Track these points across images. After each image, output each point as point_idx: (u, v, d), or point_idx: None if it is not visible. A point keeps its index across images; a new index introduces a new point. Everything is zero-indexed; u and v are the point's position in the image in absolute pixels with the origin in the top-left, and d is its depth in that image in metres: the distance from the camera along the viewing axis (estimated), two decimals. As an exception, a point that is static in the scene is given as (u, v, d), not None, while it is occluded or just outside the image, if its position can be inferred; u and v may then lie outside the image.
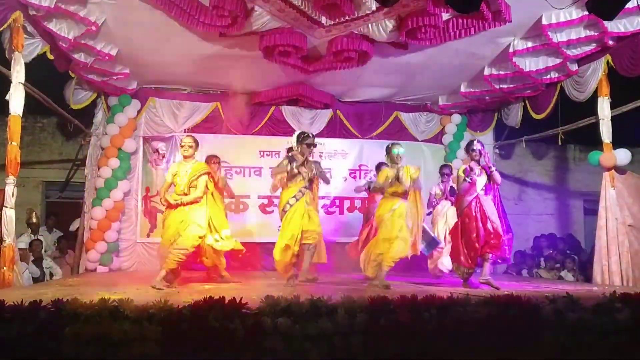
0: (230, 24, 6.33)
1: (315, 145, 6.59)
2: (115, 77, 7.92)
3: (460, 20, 6.47)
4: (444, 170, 7.86)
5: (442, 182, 7.80)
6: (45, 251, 7.95)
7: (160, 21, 6.46)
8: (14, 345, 3.37)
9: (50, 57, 6.62)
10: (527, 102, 8.65)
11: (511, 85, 8.04)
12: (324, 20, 6.38)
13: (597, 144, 7.13)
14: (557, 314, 4.07)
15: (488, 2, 6.09)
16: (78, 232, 8.67)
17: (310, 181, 6.43)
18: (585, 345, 4.00)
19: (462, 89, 8.75)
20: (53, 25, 6.21)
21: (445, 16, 6.33)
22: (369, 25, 6.61)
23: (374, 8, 6.01)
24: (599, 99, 6.97)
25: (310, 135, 6.51)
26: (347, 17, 6.31)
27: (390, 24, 6.58)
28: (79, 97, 8.29)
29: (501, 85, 8.09)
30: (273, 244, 8.50)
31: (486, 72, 7.90)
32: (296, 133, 6.56)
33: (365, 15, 6.28)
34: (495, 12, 6.26)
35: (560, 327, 4.03)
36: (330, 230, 8.46)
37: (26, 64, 5.97)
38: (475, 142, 6.41)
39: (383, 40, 6.92)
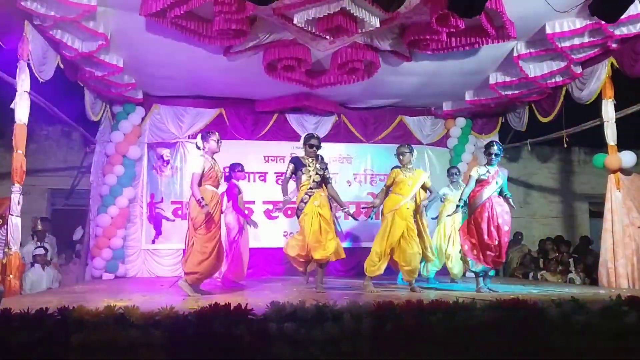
0: (234, 35, 6.31)
1: (316, 146, 6.52)
2: (123, 89, 7.98)
3: (463, 39, 6.48)
4: (452, 171, 7.89)
5: (452, 182, 7.78)
6: (51, 259, 7.95)
7: (165, 38, 6.55)
8: (21, 353, 3.37)
9: (61, 65, 6.66)
10: (533, 105, 8.59)
11: (516, 92, 8.00)
12: (327, 36, 6.34)
13: (602, 146, 7.11)
14: (563, 318, 4.05)
15: (491, 17, 6.05)
16: (83, 240, 8.69)
17: (320, 182, 6.46)
18: (592, 349, 3.98)
19: (467, 98, 8.73)
20: (59, 36, 6.22)
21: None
22: (373, 35, 6.61)
23: (377, 25, 5.94)
24: (604, 102, 6.95)
25: (312, 135, 6.68)
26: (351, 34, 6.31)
27: (393, 33, 6.57)
28: (96, 109, 8.34)
29: (507, 92, 8.05)
30: (278, 249, 8.60)
31: (491, 80, 7.87)
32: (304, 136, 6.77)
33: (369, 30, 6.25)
34: (499, 28, 6.24)
35: (567, 330, 4.01)
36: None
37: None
38: (493, 145, 6.33)
39: (387, 49, 6.91)
